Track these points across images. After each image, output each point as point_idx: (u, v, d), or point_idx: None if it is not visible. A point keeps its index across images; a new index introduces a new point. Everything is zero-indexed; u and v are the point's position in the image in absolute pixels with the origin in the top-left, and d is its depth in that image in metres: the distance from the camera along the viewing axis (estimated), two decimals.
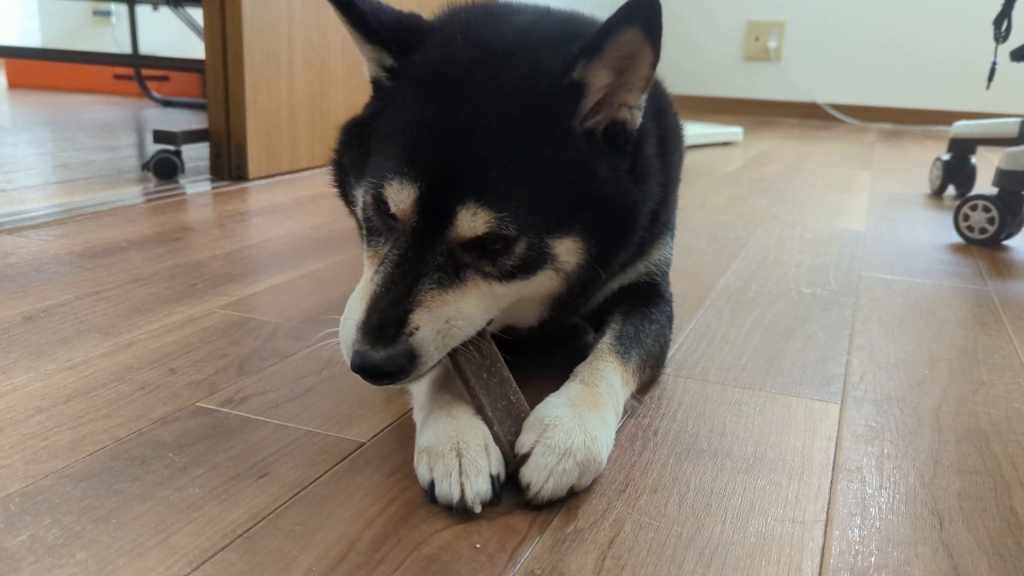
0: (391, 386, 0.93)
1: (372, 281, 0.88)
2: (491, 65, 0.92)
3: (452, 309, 0.87)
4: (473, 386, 0.91)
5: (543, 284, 0.96)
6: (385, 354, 0.84)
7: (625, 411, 1.05)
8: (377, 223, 0.93)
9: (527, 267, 0.91)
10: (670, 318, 1.22)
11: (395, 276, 0.87)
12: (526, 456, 0.86)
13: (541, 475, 0.84)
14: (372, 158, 0.95)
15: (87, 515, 0.80)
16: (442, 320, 0.87)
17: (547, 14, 1.07)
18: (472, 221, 0.86)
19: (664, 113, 1.17)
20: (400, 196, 0.88)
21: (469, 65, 0.92)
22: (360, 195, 0.97)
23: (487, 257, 0.89)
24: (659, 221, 1.17)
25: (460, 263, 0.89)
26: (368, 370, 0.85)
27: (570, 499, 0.86)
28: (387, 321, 0.85)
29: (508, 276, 0.91)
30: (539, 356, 1.20)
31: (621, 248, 1.00)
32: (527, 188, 0.89)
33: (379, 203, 0.91)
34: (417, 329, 0.85)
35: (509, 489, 0.86)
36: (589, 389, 0.97)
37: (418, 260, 0.87)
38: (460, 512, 0.82)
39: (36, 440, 0.94)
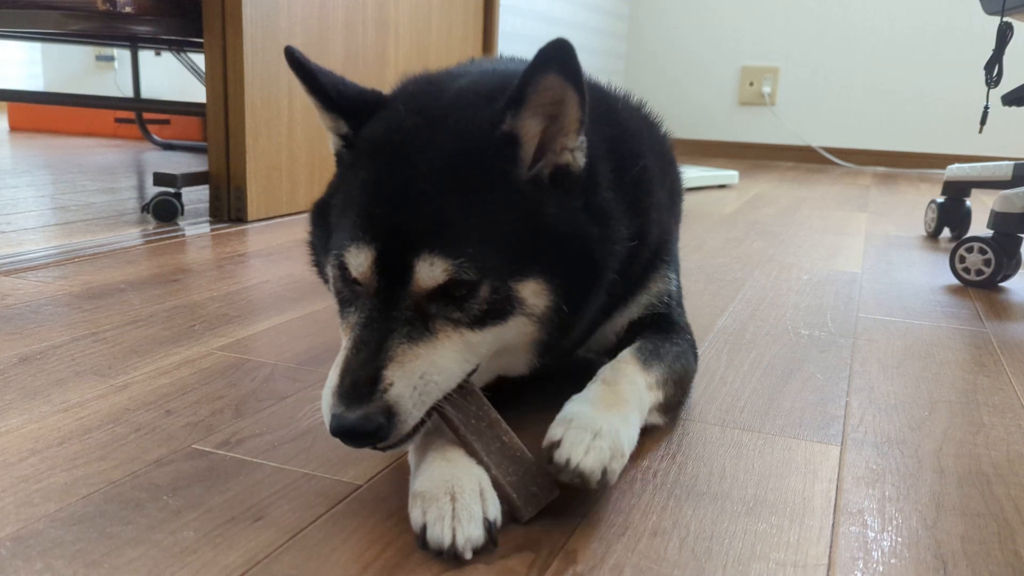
0: (379, 451, 0.90)
1: (344, 348, 0.89)
2: (429, 128, 0.95)
3: (426, 363, 0.87)
4: (464, 434, 0.90)
5: (519, 330, 0.96)
6: (361, 413, 0.82)
7: (648, 423, 1.05)
8: (347, 294, 0.94)
9: (496, 312, 0.92)
10: (692, 346, 1.22)
11: (364, 337, 0.87)
12: (557, 443, 0.86)
13: (579, 448, 0.84)
14: (334, 233, 0.97)
15: (79, 559, 0.79)
16: (416, 375, 0.86)
17: (490, 72, 1.11)
18: (431, 271, 0.87)
19: (664, 156, 1.19)
20: (358, 260, 0.89)
21: (410, 130, 0.96)
22: (329, 270, 0.99)
23: (454, 304, 0.90)
24: (656, 256, 1.18)
25: (428, 315, 0.89)
26: (345, 431, 0.83)
27: (575, 530, 0.85)
28: (360, 380, 0.84)
29: (478, 322, 0.91)
30: (545, 388, 1.20)
31: (591, 288, 1.01)
32: (477, 233, 0.90)
33: (343, 272, 0.92)
34: (392, 385, 0.84)
35: (508, 532, 0.85)
36: (610, 388, 0.97)
37: (385, 318, 0.88)
38: (451, 558, 0.80)
39: (29, 483, 0.93)
